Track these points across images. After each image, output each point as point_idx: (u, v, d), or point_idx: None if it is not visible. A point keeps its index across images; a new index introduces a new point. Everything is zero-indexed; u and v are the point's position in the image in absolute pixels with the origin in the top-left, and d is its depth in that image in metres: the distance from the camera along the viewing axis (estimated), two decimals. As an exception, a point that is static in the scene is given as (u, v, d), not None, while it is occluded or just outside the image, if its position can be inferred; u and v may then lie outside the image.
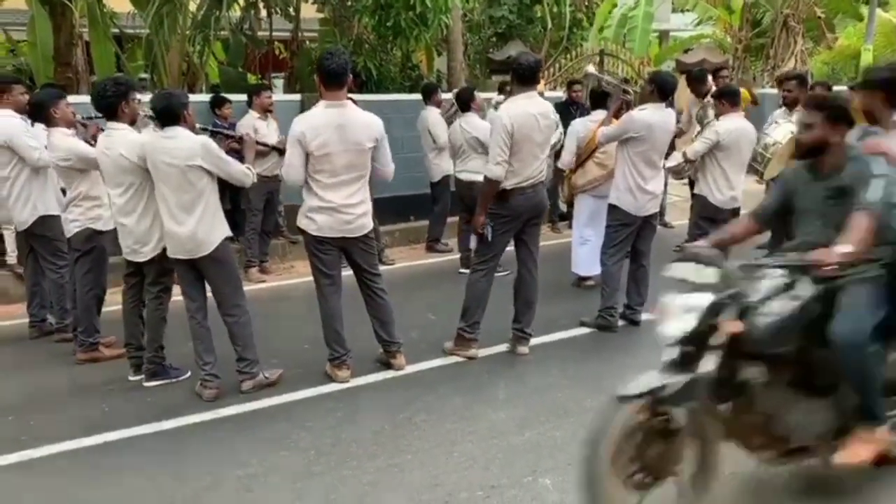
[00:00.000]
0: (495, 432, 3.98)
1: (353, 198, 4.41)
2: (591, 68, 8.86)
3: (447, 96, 8.20)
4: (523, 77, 4.74)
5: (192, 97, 8.68)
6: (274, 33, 13.06)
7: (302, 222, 4.47)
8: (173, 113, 4.25)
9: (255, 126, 6.97)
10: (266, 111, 7.32)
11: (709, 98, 7.04)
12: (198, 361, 4.47)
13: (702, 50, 14.05)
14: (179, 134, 4.23)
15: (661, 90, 5.35)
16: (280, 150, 4.87)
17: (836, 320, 2.96)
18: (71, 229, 4.93)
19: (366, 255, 4.62)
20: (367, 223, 4.55)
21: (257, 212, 7.20)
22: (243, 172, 4.43)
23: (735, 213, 6.16)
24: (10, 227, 6.46)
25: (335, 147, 4.26)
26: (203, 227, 4.28)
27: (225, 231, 4.41)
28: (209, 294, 4.52)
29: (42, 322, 5.62)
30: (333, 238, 4.45)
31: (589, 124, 6.34)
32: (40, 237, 5.35)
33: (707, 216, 5.94)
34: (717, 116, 6.08)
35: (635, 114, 5.35)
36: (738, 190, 5.94)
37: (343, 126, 4.27)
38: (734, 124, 5.72)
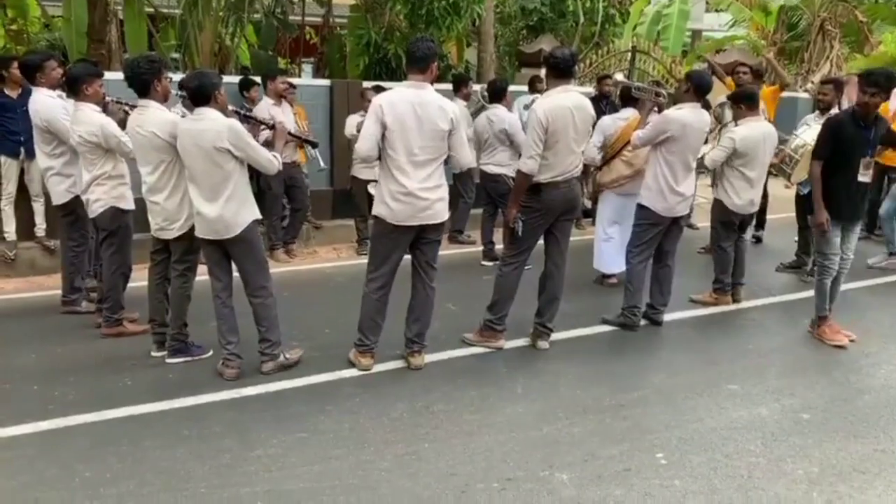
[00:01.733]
0: (513, 425, 3.98)
1: (429, 181, 4.38)
2: (619, 76, 8.80)
3: (476, 88, 8.17)
4: (559, 70, 4.70)
5: (223, 79, 8.77)
6: (306, 18, 13.11)
7: (379, 209, 4.42)
8: (205, 93, 4.25)
9: (270, 112, 6.94)
10: (280, 97, 7.29)
11: (724, 98, 6.93)
12: (220, 341, 4.51)
13: (735, 51, 13.87)
14: (209, 115, 4.24)
15: (697, 89, 5.28)
16: (270, 126, 4.88)
17: None
18: (95, 209, 4.96)
19: (435, 245, 4.60)
20: (444, 210, 4.52)
21: (278, 196, 7.23)
22: (268, 159, 4.41)
23: (752, 217, 6.12)
24: (40, 199, 6.56)
25: (410, 123, 4.25)
26: (231, 209, 4.30)
27: (254, 213, 4.42)
28: (235, 275, 4.55)
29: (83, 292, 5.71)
30: (410, 226, 4.42)
31: (618, 122, 6.30)
32: (69, 214, 5.42)
33: (724, 220, 5.91)
34: (734, 120, 6.02)
35: (671, 113, 5.29)
36: (757, 194, 5.89)
37: (420, 104, 4.26)
38: (752, 130, 5.66)
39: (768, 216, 8.21)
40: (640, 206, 5.45)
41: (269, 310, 4.50)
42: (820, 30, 14.06)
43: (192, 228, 4.53)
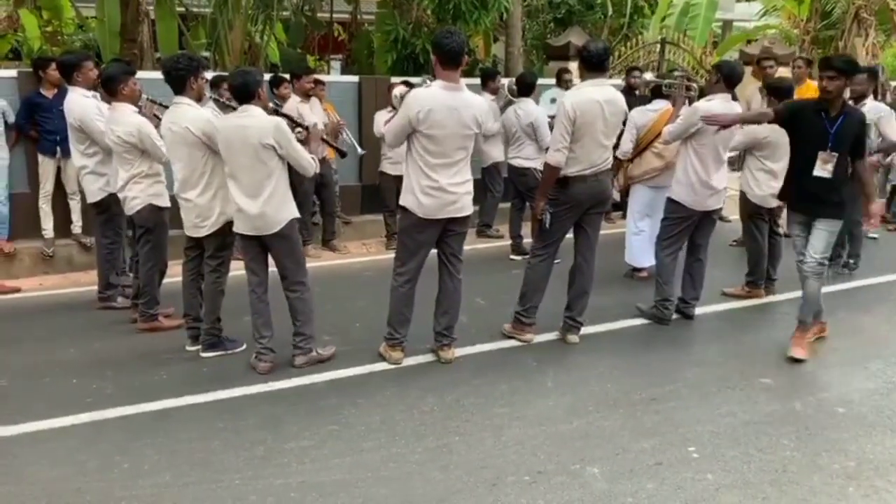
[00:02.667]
0: (543, 419, 3.98)
1: (458, 177, 4.41)
2: (648, 76, 8.72)
3: (504, 82, 8.15)
4: (591, 64, 4.68)
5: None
6: (333, 15, 13.17)
7: (408, 201, 4.43)
8: (250, 90, 4.30)
9: (298, 109, 6.97)
10: (307, 95, 7.34)
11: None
12: (255, 335, 4.57)
13: (766, 41, 13.66)
14: (254, 112, 4.30)
15: (727, 79, 5.21)
16: (304, 127, 4.89)
17: None
18: (133, 207, 5.04)
19: (461, 237, 4.63)
20: (470, 203, 4.54)
21: (308, 193, 7.29)
22: (308, 161, 4.45)
23: (781, 210, 6.01)
24: (76, 197, 6.70)
25: (448, 130, 4.27)
26: (272, 206, 4.35)
27: (293, 211, 4.47)
28: (271, 269, 4.59)
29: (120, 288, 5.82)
30: (437, 220, 4.45)
31: (649, 113, 6.25)
32: (103, 212, 5.52)
33: (751, 212, 5.84)
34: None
35: (701, 105, 5.23)
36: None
37: (457, 109, 4.27)
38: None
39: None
40: (670, 200, 5.41)
41: (307, 304, 4.55)
42: (855, 18, 13.78)
43: (224, 225, 4.60)
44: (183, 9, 11.09)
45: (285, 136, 4.30)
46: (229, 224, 4.64)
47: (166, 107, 4.75)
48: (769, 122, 4.98)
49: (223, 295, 4.77)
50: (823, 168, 4.61)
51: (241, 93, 4.30)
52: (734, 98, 5.47)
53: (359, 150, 7.34)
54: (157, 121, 4.99)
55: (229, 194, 4.47)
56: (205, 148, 4.48)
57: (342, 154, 5.89)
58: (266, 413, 4.04)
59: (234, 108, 4.67)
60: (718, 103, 5.15)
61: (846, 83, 4.69)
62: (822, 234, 4.72)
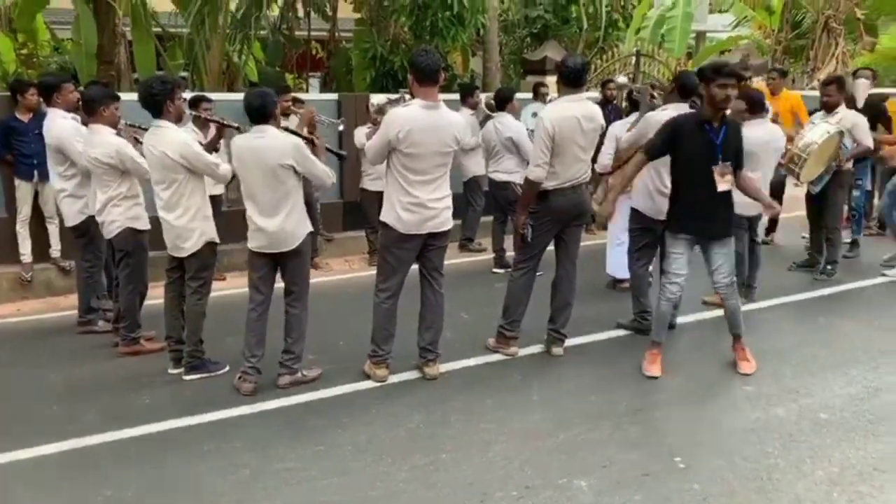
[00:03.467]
0: (529, 433, 3.99)
1: (437, 192, 4.45)
2: (621, 79, 8.82)
3: (482, 97, 8.20)
4: (569, 79, 4.73)
5: (231, 95, 8.85)
6: (311, 33, 13.20)
7: (389, 216, 4.46)
8: (267, 112, 4.35)
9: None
10: (285, 113, 7.35)
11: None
12: (245, 353, 4.54)
13: (740, 52, 13.86)
14: (270, 132, 4.34)
15: (681, 89, 5.28)
16: (310, 141, 4.86)
17: None
18: (112, 230, 5.01)
19: (442, 252, 4.66)
20: (450, 218, 4.57)
21: (312, 207, 7.26)
22: (326, 173, 4.52)
23: (759, 218, 6.08)
24: (54, 220, 6.64)
25: (427, 148, 4.32)
26: (290, 223, 4.41)
27: (308, 227, 4.55)
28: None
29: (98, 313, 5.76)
30: (418, 234, 4.47)
31: (627, 126, 6.30)
32: (82, 235, 5.48)
33: None
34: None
35: (651, 115, 5.28)
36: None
37: (436, 127, 4.32)
38: (754, 131, 5.56)
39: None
40: (633, 210, 5.46)
41: (302, 323, 4.58)
42: (825, 27, 14.03)
43: (205, 246, 4.59)
44: (160, 29, 11.07)
45: (304, 154, 4.37)
46: (210, 245, 4.63)
47: (145, 129, 4.73)
48: (647, 159, 4.70)
49: (205, 316, 4.74)
50: (723, 182, 4.51)
51: (260, 113, 4.34)
52: (692, 107, 5.49)
53: (340, 126, 7.38)
54: (136, 143, 4.98)
55: (208, 215, 4.51)
56: (183, 170, 4.47)
57: (341, 157, 5.85)
58: (252, 435, 4.01)
59: (221, 123, 4.70)
60: (670, 112, 5.14)
61: (735, 89, 4.58)
62: (724, 256, 4.69)
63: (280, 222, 4.38)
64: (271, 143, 4.30)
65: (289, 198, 4.39)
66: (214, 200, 5.65)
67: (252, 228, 4.45)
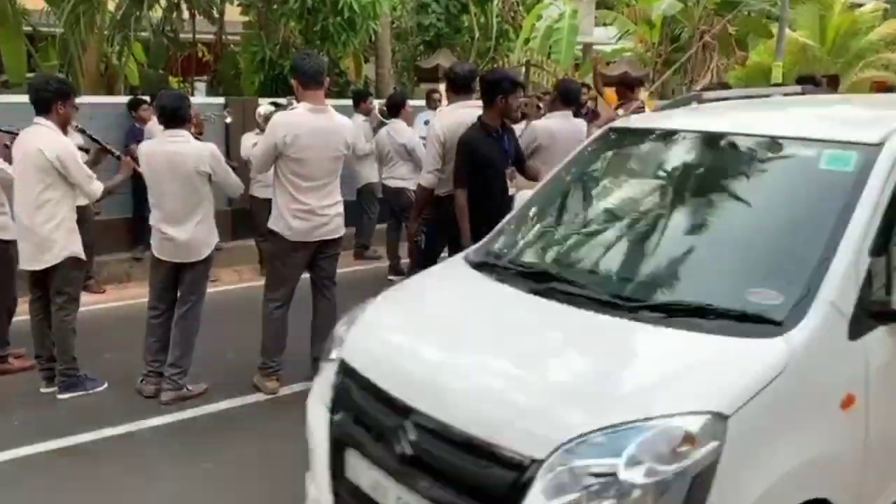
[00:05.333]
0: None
1: (327, 199, 4.37)
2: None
3: (376, 103, 8.18)
4: (458, 86, 4.76)
5: (110, 99, 8.44)
6: (197, 35, 12.79)
7: (277, 224, 4.35)
8: (183, 115, 4.20)
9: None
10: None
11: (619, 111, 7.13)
12: (146, 357, 4.41)
13: (623, 63, 14.43)
14: (185, 137, 4.19)
15: (563, 97, 5.44)
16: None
17: None
18: None
19: (334, 260, 4.58)
20: (342, 225, 4.51)
21: None
22: (238, 183, 4.49)
23: None
24: None
25: (316, 153, 4.23)
26: (202, 232, 4.30)
27: (216, 238, 4.43)
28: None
29: None
30: (308, 242, 4.37)
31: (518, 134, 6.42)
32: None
33: None
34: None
35: (537, 123, 5.39)
36: None
37: (325, 132, 4.25)
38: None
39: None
40: None
41: (191, 336, 4.44)
42: (701, 41, 14.83)
43: (67, 259, 4.31)
44: (30, 28, 10.43)
45: (220, 161, 4.28)
46: (73, 260, 4.35)
47: (15, 134, 4.42)
48: (466, 191, 4.34)
49: (75, 333, 4.45)
50: (512, 186, 4.43)
51: (175, 116, 4.17)
52: (576, 115, 5.66)
53: (227, 119, 7.36)
54: (6, 150, 4.63)
55: (74, 228, 4.33)
56: (54, 174, 4.19)
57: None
58: (133, 454, 3.81)
59: (105, 148, 4.47)
60: (556, 121, 5.30)
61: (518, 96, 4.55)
62: None
63: (191, 230, 4.26)
64: (188, 148, 4.18)
65: (201, 206, 4.29)
66: (83, 211, 5.24)
67: (159, 237, 4.30)
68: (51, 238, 4.28)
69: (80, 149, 4.67)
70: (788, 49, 14.47)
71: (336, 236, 4.49)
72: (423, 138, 5.77)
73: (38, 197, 4.25)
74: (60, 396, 4.44)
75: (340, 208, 4.50)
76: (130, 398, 4.42)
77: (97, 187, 4.39)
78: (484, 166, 4.35)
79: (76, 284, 4.51)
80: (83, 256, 4.48)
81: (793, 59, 15.82)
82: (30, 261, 4.36)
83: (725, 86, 7.63)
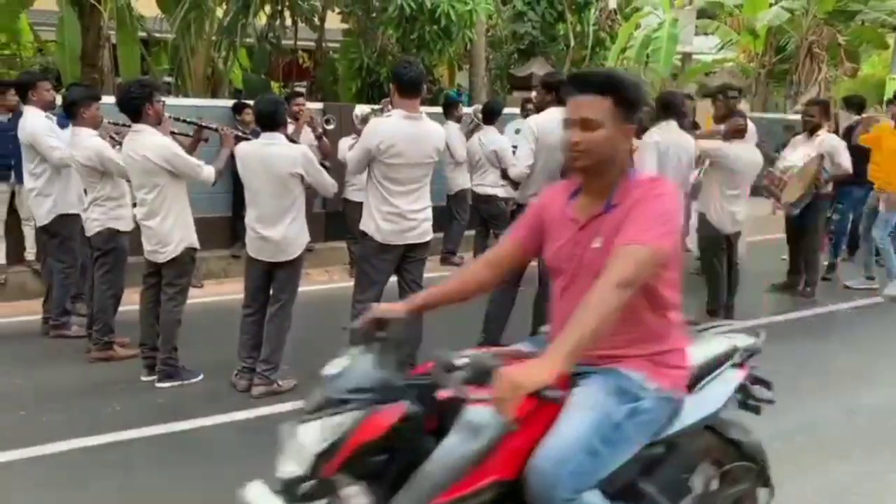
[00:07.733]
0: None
1: (417, 203, 4.44)
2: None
3: (467, 111, 8.22)
4: (556, 92, 4.78)
5: (215, 102, 8.80)
6: (298, 42, 13.18)
7: (368, 226, 4.44)
8: (278, 120, 4.36)
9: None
10: (295, 117, 7.28)
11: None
12: (240, 353, 4.57)
13: (725, 73, 14.03)
14: (281, 141, 4.35)
15: (664, 108, 5.41)
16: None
17: None
18: (92, 228, 4.97)
19: (421, 264, 4.63)
20: (430, 229, 4.56)
21: None
22: (332, 182, 4.58)
23: (737, 236, 6.10)
24: (30, 223, 6.54)
25: (409, 159, 4.31)
26: (294, 231, 4.43)
27: (307, 238, 4.56)
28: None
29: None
30: (396, 245, 4.44)
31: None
32: (54, 235, 5.42)
33: (705, 235, 5.94)
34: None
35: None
36: (740, 214, 5.88)
37: (418, 139, 4.32)
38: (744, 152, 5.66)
39: (755, 237, 8.23)
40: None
41: (283, 333, 4.56)
42: (808, 52, 14.22)
43: (184, 252, 4.53)
44: (145, 34, 11.01)
45: (313, 163, 4.41)
46: (189, 251, 4.57)
47: (127, 126, 4.67)
48: None
49: (180, 324, 4.67)
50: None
51: (270, 121, 4.34)
52: (681, 126, 5.56)
53: (331, 125, 7.33)
54: (114, 142, 4.94)
55: (189, 221, 4.52)
56: (165, 175, 4.42)
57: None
58: (226, 444, 3.95)
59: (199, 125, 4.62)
60: (659, 133, 5.25)
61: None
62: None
63: (283, 231, 4.39)
64: (282, 150, 4.32)
65: (293, 207, 4.41)
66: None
67: (252, 236, 4.46)
68: (168, 234, 4.52)
69: (179, 135, 4.91)
70: (905, 61, 13.68)
71: (424, 240, 4.52)
72: (514, 147, 5.74)
73: (153, 200, 4.48)
74: (159, 385, 4.65)
75: (429, 213, 4.54)
76: (224, 390, 4.59)
77: (209, 172, 4.58)
78: None
79: (188, 276, 4.74)
80: (198, 246, 4.71)
81: (909, 71, 14.96)
82: (150, 253, 4.62)
83: (825, 103, 7.26)
